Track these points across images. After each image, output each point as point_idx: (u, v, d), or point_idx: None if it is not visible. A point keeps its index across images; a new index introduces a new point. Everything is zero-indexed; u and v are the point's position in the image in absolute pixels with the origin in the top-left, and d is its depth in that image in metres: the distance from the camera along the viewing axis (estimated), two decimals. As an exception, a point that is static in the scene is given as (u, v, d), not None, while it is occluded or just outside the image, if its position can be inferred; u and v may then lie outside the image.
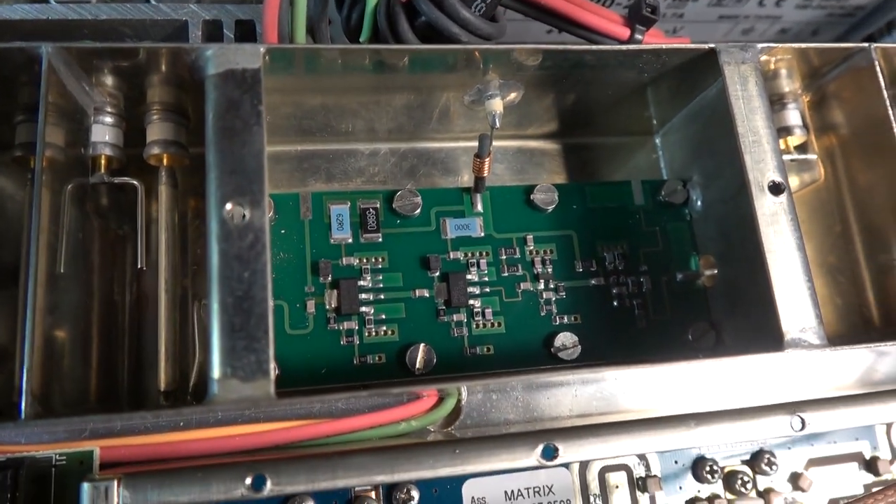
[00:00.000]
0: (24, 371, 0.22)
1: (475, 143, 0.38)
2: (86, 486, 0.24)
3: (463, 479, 0.30)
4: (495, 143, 0.39)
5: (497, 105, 0.32)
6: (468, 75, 0.31)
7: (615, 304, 0.35)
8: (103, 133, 0.30)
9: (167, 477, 0.24)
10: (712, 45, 0.31)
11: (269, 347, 0.23)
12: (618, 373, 0.31)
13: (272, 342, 0.23)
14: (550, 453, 0.27)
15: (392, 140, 0.37)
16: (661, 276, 0.35)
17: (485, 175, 0.33)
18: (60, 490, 0.27)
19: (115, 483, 0.24)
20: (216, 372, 0.23)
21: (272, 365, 0.23)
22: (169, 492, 0.24)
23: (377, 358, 0.32)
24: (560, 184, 0.36)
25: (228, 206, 0.24)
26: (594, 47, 0.29)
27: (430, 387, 0.29)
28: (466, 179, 0.39)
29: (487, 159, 0.33)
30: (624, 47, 0.29)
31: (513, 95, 0.32)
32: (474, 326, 0.33)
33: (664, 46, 0.30)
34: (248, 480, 0.25)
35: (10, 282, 0.31)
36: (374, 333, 0.32)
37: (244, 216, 0.24)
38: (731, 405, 0.30)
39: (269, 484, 0.25)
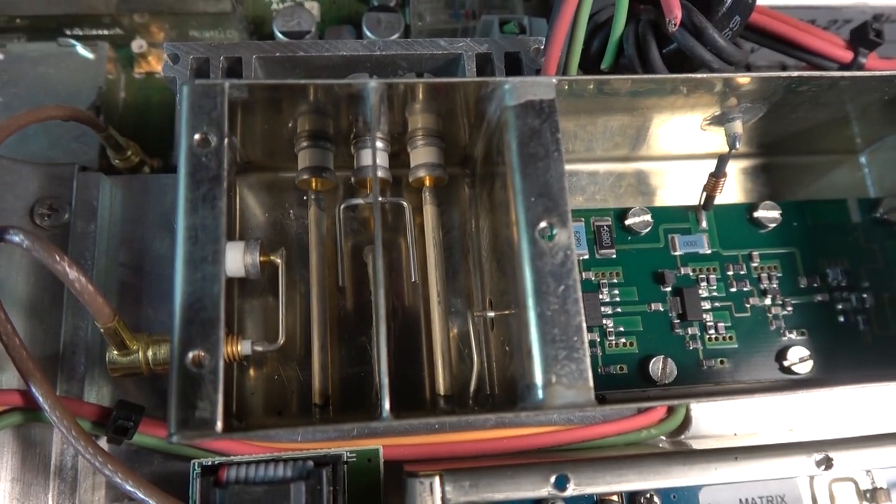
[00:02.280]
0: (382, 376, 0.24)
1: (681, 162, 0.40)
2: (410, 481, 0.26)
3: (700, 486, 0.31)
4: (684, 161, 0.40)
5: (738, 127, 0.33)
6: (714, 99, 0.33)
7: (841, 319, 0.35)
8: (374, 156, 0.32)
9: (481, 474, 0.26)
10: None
11: (587, 356, 0.25)
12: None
13: (588, 351, 0.25)
14: (825, 463, 0.28)
15: (609, 160, 0.39)
16: (883, 293, 0.36)
17: (718, 193, 0.35)
18: (352, 485, 0.30)
19: (438, 479, 0.26)
20: (539, 379, 0.25)
21: (590, 373, 0.25)
22: (485, 488, 0.26)
23: (619, 368, 0.33)
24: (780, 201, 0.37)
25: (542, 224, 0.26)
26: (856, 74, 0.30)
27: (686, 401, 0.31)
28: (666, 198, 0.40)
29: (723, 179, 0.34)
30: (886, 73, 0.30)
31: (757, 117, 0.34)
32: (707, 339, 0.34)
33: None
34: (552, 479, 0.27)
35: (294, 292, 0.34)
36: (614, 345, 0.34)
37: (553, 235, 0.26)
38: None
39: (571, 484, 0.27)
